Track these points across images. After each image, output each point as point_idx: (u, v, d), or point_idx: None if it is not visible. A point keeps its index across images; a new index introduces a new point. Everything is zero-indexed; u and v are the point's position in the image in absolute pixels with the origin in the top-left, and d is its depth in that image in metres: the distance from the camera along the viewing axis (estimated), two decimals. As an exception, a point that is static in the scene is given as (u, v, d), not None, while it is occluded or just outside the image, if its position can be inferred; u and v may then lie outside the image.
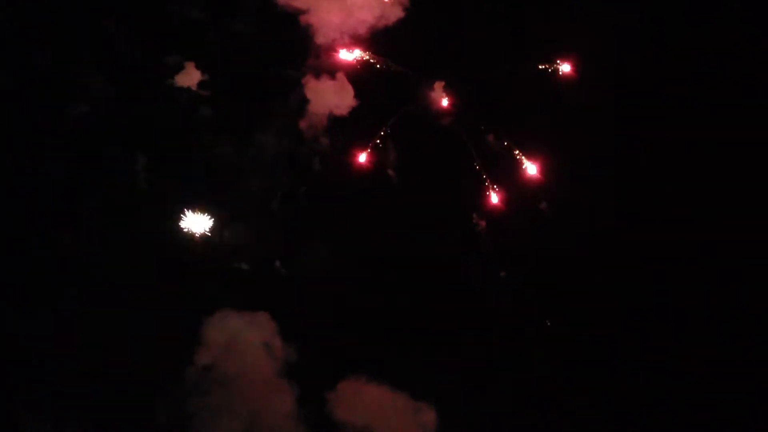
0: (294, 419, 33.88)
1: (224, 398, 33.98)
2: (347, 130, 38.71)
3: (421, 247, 37.51)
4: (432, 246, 37.69)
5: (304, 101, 38.73)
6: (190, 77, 38.68)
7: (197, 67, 38.69)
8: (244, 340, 34.91)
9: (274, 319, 35.20)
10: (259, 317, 35.10)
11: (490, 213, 38.95)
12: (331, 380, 34.76)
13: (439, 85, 39.55)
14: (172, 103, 38.67)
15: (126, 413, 34.18)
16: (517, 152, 39.32)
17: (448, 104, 39.61)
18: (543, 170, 39.24)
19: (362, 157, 38.61)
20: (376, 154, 38.68)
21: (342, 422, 34.23)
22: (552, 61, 40.02)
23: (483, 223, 38.87)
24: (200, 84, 38.76)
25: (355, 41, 38.93)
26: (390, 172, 38.95)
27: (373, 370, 34.86)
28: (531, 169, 39.31)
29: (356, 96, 38.71)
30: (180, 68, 38.73)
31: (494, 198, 39.07)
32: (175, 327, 35.45)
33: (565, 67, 40.24)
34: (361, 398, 34.35)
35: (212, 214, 37.40)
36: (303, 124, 38.78)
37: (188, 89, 38.66)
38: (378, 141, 38.64)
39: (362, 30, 38.83)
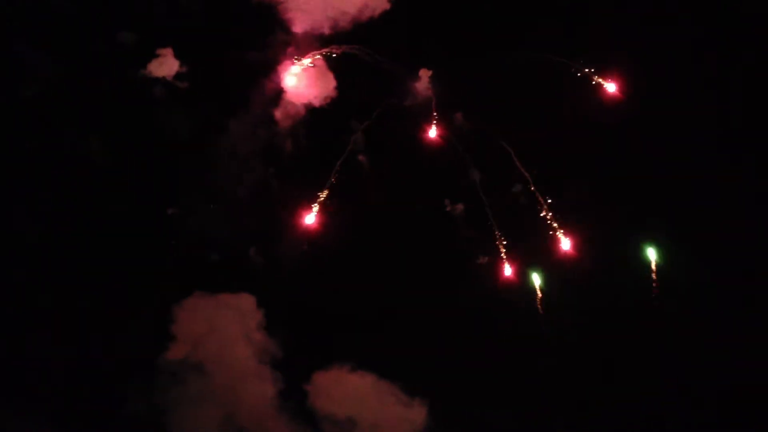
0: (275, 407, 33.20)
1: (201, 386, 33.55)
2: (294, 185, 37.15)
3: (400, 234, 36.72)
4: (410, 232, 36.86)
5: (281, 90, 37.88)
6: (165, 66, 37.60)
7: (175, 55, 37.58)
8: (221, 323, 34.31)
9: (254, 303, 34.71)
10: (237, 299, 34.44)
11: (503, 284, 35.70)
12: (313, 369, 34.32)
13: (425, 74, 37.33)
14: (143, 88, 37.53)
15: (98, 405, 33.52)
16: (545, 211, 34.75)
17: (435, 101, 37.18)
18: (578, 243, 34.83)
19: (310, 218, 36.49)
20: (325, 212, 36.73)
21: (324, 412, 33.66)
22: (592, 72, 35.92)
23: (460, 207, 37.07)
24: (172, 69, 37.61)
25: (337, 29, 37.86)
26: (360, 158, 37.73)
27: (359, 360, 34.45)
28: (565, 243, 34.81)
29: (336, 87, 37.72)
30: (154, 55, 37.54)
31: (507, 270, 35.83)
32: (146, 314, 34.78)
33: (609, 87, 36.32)
34: (345, 388, 33.84)
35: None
36: (278, 113, 37.95)
37: (163, 78, 37.57)
38: (325, 198, 36.39)
39: (345, 18, 37.70)
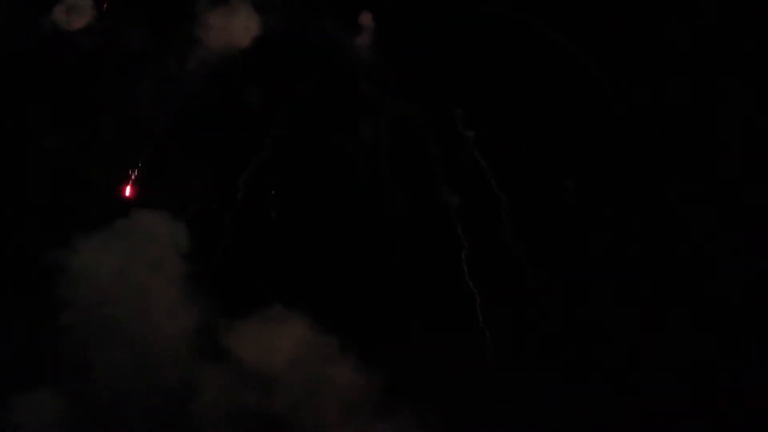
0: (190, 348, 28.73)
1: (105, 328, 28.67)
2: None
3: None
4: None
5: (196, 36, 34.87)
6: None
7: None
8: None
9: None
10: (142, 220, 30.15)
11: None
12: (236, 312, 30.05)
13: (366, 19, 33.84)
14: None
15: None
16: None
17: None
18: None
19: (127, 191, 33.70)
20: (141, 184, 34.00)
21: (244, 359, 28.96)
22: None
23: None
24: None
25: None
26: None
27: (294, 303, 30.13)
28: None
29: (260, 32, 34.82)
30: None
31: None
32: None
33: None
34: (275, 337, 29.16)
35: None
36: (190, 63, 34.87)
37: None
38: (140, 172, 34.04)
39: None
